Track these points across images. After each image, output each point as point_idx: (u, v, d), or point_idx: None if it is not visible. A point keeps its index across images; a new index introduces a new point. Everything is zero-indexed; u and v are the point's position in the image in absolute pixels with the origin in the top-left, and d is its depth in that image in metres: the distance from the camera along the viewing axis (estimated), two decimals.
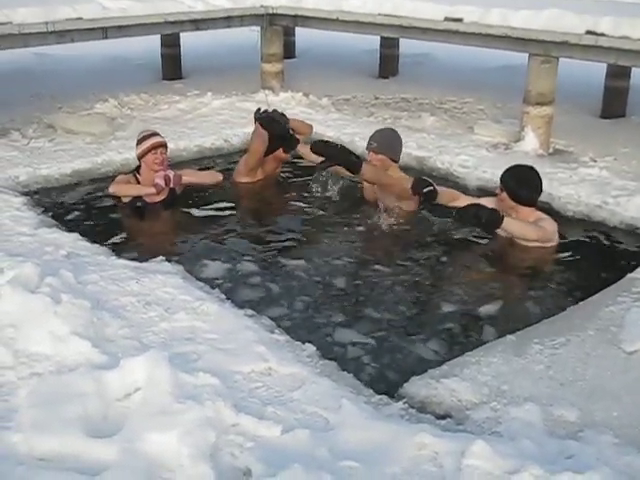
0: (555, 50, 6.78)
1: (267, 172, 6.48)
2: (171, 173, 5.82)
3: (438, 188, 5.36)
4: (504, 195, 5.20)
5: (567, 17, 6.62)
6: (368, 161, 5.58)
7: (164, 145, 5.91)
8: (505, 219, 4.95)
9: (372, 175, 5.52)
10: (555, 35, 6.64)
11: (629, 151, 6.95)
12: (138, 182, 5.84)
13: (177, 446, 2.77)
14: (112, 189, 5.79)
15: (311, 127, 6.69)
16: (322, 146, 5.45)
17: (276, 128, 6.05)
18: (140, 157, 5.87)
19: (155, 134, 5.94)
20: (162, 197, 5.83)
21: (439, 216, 5.59)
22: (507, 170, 5.30)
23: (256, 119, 6.18)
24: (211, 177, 6.24)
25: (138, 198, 5.80)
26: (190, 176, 6.08)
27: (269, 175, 6.51)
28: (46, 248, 4.70)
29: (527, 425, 3.14)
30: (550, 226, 5.16)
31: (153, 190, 5.73)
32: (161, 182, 5.73)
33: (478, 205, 5.02)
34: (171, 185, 5.82)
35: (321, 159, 5.45)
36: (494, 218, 4.93)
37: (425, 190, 5.27)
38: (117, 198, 5.90)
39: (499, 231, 5.07)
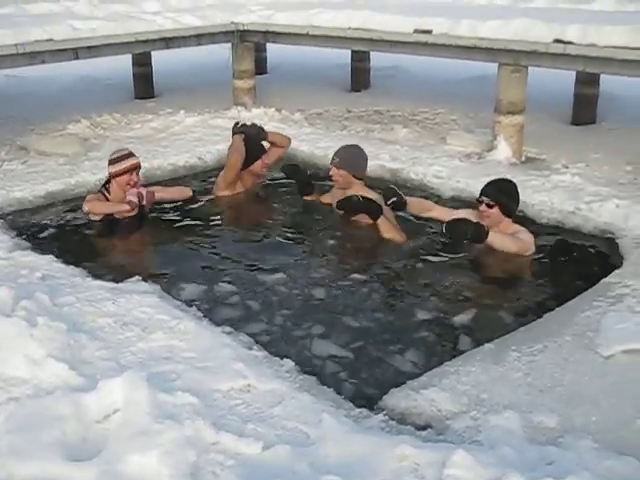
0: (524, 59, 6.84)
1: (246, 186, 6.49)
2: (144, 190, 5.82)
3: (410, 198, 5.42)
4: (494, 210, 5.18)
5: (535, 26, 6.70)
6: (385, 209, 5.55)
7: (139, 167, 5.90)
8: (490, 233, 5.00)
9: (385, 228, 5.51)
10: (524, 44, 6.71)
11: (600, 157, 7.02)
12: (107, 200, 5.81)
13: (157, 466, 2.75)
14: (86, 207, 5.76)
15: (289, 139, 6.81)
16: (346, 204, 5.59)
17: (300, 178, 6.26)
18: (114, 176, 5.81)
19: (131, 154, 5.89)
20: (133, 213, 5.81)
21: (415, 226, 5.61)
22: (493, 186, 5.28)
23: (234, 133, 6.25)
24: (180, 193, 6.25)
25: (109, 215, 5.77)
26: (160, 192, 6.07)
27: (248, 189, 6.51)
28: (21, 271, 4.66)
29: (507, 433, 3.15)
30: (528, 237, 5.21)
31: (127, 207, 5.71)
32: (134, 199, 5.72)
33: (465, 220, 5.04)
34: (144, 202, 5.81)
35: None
36: (480, 233, 4.98)
37: (389, 202, 5.37)
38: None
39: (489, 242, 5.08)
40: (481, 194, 5.26)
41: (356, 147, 6.11)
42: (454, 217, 5.16)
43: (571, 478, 2.68)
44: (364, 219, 5.57)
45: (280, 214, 6.14)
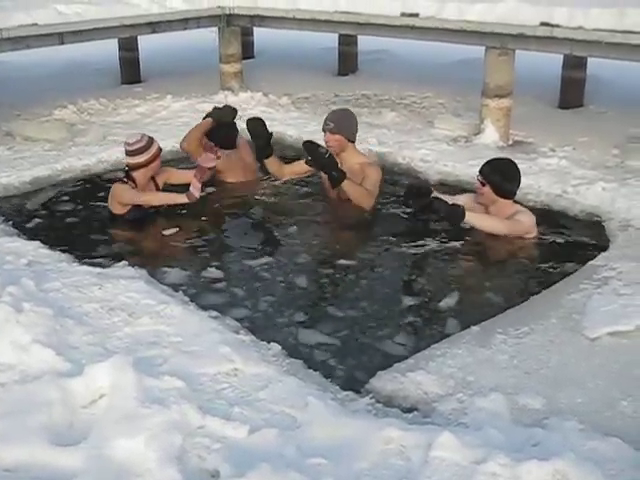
0: (511, 42, 6.84)
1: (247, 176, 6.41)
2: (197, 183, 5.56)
3: None
4: (486, 189, 5.16)
5: (522, 9, 6.68)
6: (349, 179, 5.53)
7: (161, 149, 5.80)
8: (468, 214, 4.95)
9: (351, 191, 5.53)
10: (511, 27, 6.70)
11: (587, 140, 7.03)
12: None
13: (144, 451, 2.76)
14: (143, 197, 5.59)
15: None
16: (312, 149, 5.52)
17: (260, 139, 6.02)
18: (145, 165, 5.60)
19: (151, 140, 5.67)
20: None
21: (401, 211, 5.61)
22: (488, 164, 5.25)
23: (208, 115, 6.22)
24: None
25: (138, 208, 5.60)
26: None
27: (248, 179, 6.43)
28: (7, 257, 4.64)
29: (493, 415, 3.16)
30: (527, 218, 5.16)
31: (186, 200, 5.54)
32: (197, 193, 5.51)
33: (439, 199, 5.01)
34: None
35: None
36: (455, 213, 4.94)
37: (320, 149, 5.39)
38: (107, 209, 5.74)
39: (469, 224, 5.07)
40: (479, 171, 5.26)
41: (346, 110, 6.13)
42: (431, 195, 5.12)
43: (556, 459, 2.70)
44: (330, 190, 5.66)
45: (264, 201, 6.09)
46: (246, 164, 6.35)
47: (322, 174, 5.72)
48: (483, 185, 5.19)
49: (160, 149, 5.72)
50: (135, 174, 5.62)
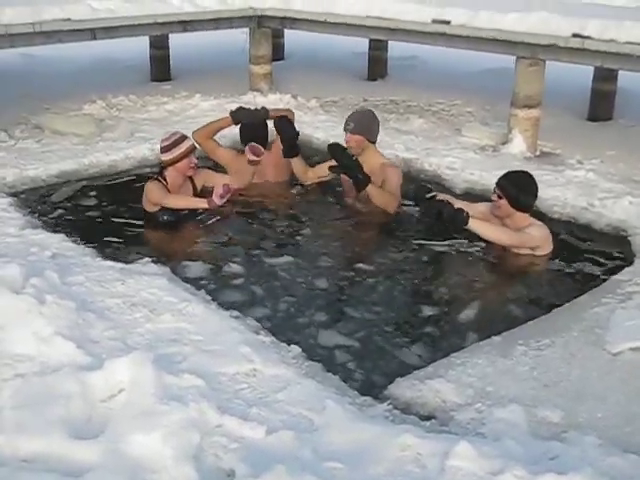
0: (542, 53, 6.80)
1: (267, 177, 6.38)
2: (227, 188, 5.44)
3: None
4: (503, 202, 5.08)
5: (554, 20, 6.64)
6: (373, 183, 5.53)
7: (195, 147, 5.73)
8: (472, 221, 4.86)
9: (375, 195, 5.53)
10: (542, 38, 6.66)
11: (615, 154, 6.97)
12: (168, 190, 5.59)
13: (161, 447, 2.77)
14: (164, 200, 5.52)
15: (292, 112, 6.59)
16: (337, 152, 5.56)
17: (288, 135, 6.04)
18: (173, 163, 5.58)
19: (184, 137, 5.67)
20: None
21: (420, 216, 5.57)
22: (505, 177, 5.17)
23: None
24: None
25: (165, 210, 5.56)
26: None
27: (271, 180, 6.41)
28: (31, 249, 4.68)
29: (511, 426, 3.14)
30: (538, 232, 5.07)
31: (206, 206, 5.46)
32: (219, 200, 5.36)
33: (444, 202, 4.92)
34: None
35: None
36: (458, 218, 4.85)
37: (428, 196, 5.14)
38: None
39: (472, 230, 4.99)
40: (496, 183, 5.18)
41: (369, 111, 6.13)
42: (436, 197, 5.06)
43: (573, 474, 2.68)
44: (350, 193, 5.66)
45: (285, 202, 6.12)
46: (277, 165, 6.33)
47: (344, 177, 5.72)
48: (500, 198, 5.10)
49: (193, 147, 5.67)
50: (166, 172, 5.63)
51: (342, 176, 5.74)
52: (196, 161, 5.70)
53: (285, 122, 6.07)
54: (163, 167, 5.67)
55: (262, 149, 5.77)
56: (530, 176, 5.22)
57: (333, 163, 5.67)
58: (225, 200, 5.40)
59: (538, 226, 5.13)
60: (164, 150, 5.61)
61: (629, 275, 4.66)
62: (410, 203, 5.68)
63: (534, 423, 3.20)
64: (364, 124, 5.80)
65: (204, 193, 5.81)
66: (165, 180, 5.62)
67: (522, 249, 5.06)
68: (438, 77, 10.13)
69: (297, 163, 6.11)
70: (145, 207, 5.65)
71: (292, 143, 6.06)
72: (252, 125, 6.20)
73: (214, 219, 5.55)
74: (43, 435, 2.84)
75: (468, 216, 4.85)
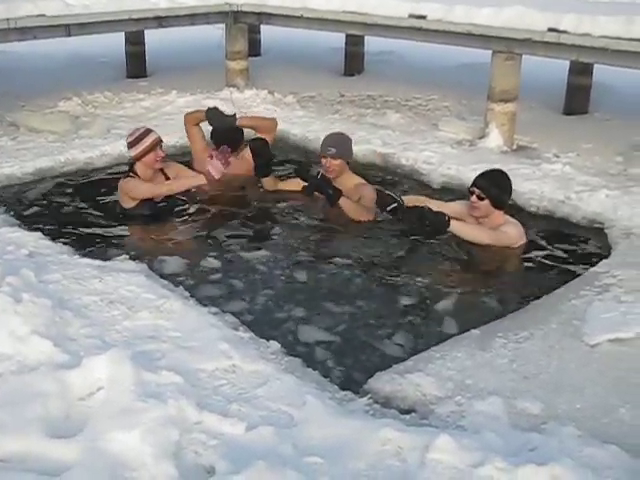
0: (518, 47, 6.82)
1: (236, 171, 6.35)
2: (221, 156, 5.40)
3: (405, 197, 5.30)
4: (484, 203, 5.09)
5: (530, 14, 6.67)
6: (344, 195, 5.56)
7: (161, 140, 5.69)
8: (453, 223, 4.90)
9: (348, 207, 5.54)
10: (518, 32, 6.69)
11: (591, 147, 7.02)
12: None
13: (140, 445, 2.75)
14: (163, 189, 5.59)
15: (274, 122, 6.54)
16: (304, 173, 5.71)
17: (263, 158, 5.98)
18: (139, 157, 5.57)
19: (148, 131, 5.65)
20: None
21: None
22: (483, 178, 5.16)
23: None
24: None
25: (149, 201, 5.58)
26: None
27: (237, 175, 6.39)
28: (8, 247, 4.62)
29: (491, 418, 3.16)
30: (514, 230, 5.12)
31: (204, 180, 5.42)
32: (216, 172, 5.32)
33: (423, 208, 4.96)
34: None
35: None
36: (440, 222, 4.89)
37: (389, 209, 5.19)
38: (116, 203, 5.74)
39: (453, 232, 5.01)
40: (473, 185, 5.16)
41: (342, 134, 6.08)
42: (414, 204, 5.09)
43: (553, 464, 2.69)
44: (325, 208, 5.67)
45: (262, 197, 6.08)
46: (247, 170, 6.24)
47: (317, 195, 5.71)
48: (480, 199, 5.11)
49: (159, 140, 5.63)
50: (136, 166, 5.62)
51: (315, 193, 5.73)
52: (162, 154, 5.67)
53: (260, 146, 5.98)
54: (132, 163, 5.68)
55: (223, 168, 5.42)
56: (505, 173, 5.26)
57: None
58: (223, 172, 5.35)
59: (513, 224, 5.17)
60: (129, 146, 5.63)
61: (606, 267, 4.69)
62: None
63: (514, 415, 3.21)
64: (343, 148, 5.80)
65: None
66: (137, 175, 5.61)
67: (498, 245, 5.08)
68: (415, 72, 10.16)
69: (268, 180, 6.11)
70: (123, 204, 5.62)
71: (266, 168, 6.03)
72: (221, 128, 6.18)
73: (189, 209, 5.60)
74: (21, 434, 2.82)
75: (449, 219, 4.87)
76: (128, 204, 5.59)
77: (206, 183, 5.46)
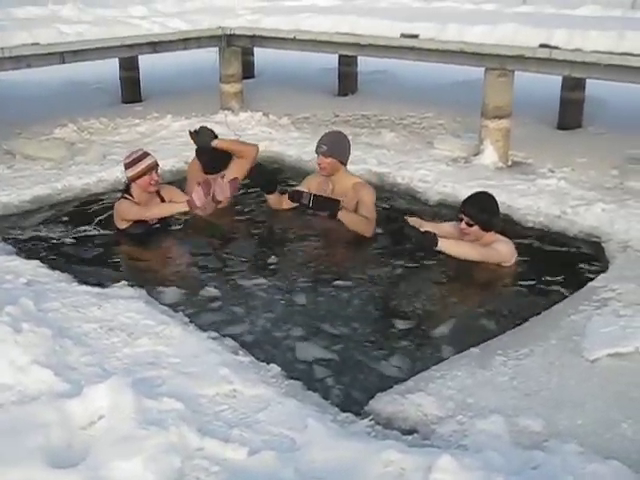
0: (510, 64, 6.87)
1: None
2: (218, 182, 5.58)
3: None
4: (474, 229, 5.10)
5: (522, 31, 6.73)
6: (345, 207, 5.62)
7: (157, 165, 5.77)
8: (441, 242, 4.88)
9: (349, 221, 5.58)
10: (510, 49, 6.73)
11: (586, 161, 7.04)
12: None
13: (142, 472, 2.74)
14: (146, 213, 5.66)
15: (255, 148, 6.44)
16: (296, 197, 5.74)
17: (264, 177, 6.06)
18: (134, 179, 5.67)
19: (146, 154, 5.74)
20: (208, 212, 5.66)
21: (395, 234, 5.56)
22: (470, 204, 5.15)
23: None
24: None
25: (141, 222, 5.67)
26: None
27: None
28: (6, 276, 4.63)
29: (493, 437, 3.15)
30: (505, 248, 5.12)
31: (187, 208, 5.51)
32: (199, 200, 5.41)
33: (411, 227, 4.96)
34: (222, 197, 5.58)
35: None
36: (427, 240, 4.88)
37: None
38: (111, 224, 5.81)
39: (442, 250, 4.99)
40: (461, 211, 5.17)
41: (339, 133, 6.16)
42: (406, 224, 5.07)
43: None
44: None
45: (258, 221, 6.11)
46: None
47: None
48: (470, 225, 5.12)
49: (155, 164, 5.72)
50: (132, 188, 5.71)
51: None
52: (157, 178, 5.75)
53: (260, 175, 6.02)
54: (127, 184, 5.76)
55: (204, 198, 5.44)
56: (491, 196, 5.27)
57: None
58: (204, 201, 5.43)
59: (504, 242, 5.17)
60: (126, 167, 5.72)
61: (604, 281, 4.70)
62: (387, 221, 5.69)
63: (515, 433, 3.21)
64: (336, 146, 5.84)
65: None
66: (132, 196, 5.70)
67: (488, 262, 5.10)
68: (408, 91, 10.20)
69: (273, 197, 6.13)
70: (117, 224, 5.72)
71: (269, 185, 6.08)
72: (202, 148, 6.20)
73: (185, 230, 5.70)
74: (22, 465, 2.80)
75: (436, 237, 4.88)
76: (121, 225, 5.70)
77: (189, 210, 5.54)
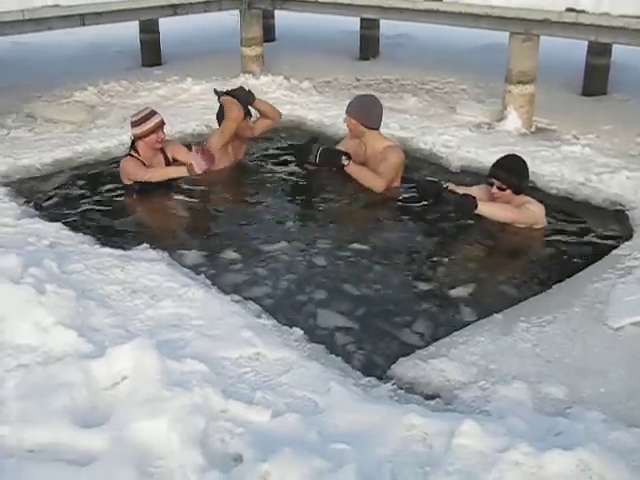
0: (536, 28, 6.77)
1: (236, 155, 6.33)
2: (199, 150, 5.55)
3: None
4: (506, 192, 5.06)
5: None
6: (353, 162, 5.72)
7: (164, 123, 5.83)
8: (480, 205, 4.89)
9: (357, 175, 5.67)
10: (535, 13, 6.64)
11: (611, 128, 6.97)
12: (143, 163, 5.74)
13: (167, 433, 2.77)
14: (146, 176, 5.68)
15: (279, 113, 6.48)
16: (302, 159, 5.91)
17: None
18: (141, 137, 5.73)
19: (153, 112, 5.78)
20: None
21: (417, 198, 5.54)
22: (501, 167, 5.09)
23: (220, 96, 6.12)
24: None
25: (138, 182, 5.73)
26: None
27: (238, 159, 6.37)
28: (29, 239, 4.65)
29: (516, 403, 3.15)
30: (537, 208, 5.10)
31: (186, 173, 5.57)
32: (200, 166, 5.46)
33: (450, 191, 5.01)
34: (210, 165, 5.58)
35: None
36: (468, 204, 4.89)
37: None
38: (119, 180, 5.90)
39: (481, 213, 4.99)
40: (491, 176, 5.12)
41: (370, 97, 6.15)
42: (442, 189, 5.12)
43: (579, 449, 2.68)
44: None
45: (279, 184, 6.08)
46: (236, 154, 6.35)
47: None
48: (501, 189, 5.08)
49: (161, 123, 5.78)
50: (138, 145, 5.77)
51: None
52: (164, 136, 5.82)
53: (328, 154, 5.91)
54: (134, 140, 5.81)
55: (204, 164, 5.48)
56: (520, 158, 5.23)
57: None
58: (205, 166, 5.48)
59: (536, 203, 5.15)
60: (134, 124, 5.77)
61: (628, 249, 4.67)
62: (409, 185, 5.68)
63: (538, 399, 3.20)
64: (359, 109, 5.82)
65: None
66: (137, 152, 5.77)
67: (522, 224, 5.07)
68: (431, 55, 10.10)
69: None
70: (123, 181, 5.84)
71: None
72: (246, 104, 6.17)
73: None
74: (48, 425, 2.84)
75: (476, 200, 4.89)
76: (127, 182, 5.81)
77: (188, 175, 5.61)
